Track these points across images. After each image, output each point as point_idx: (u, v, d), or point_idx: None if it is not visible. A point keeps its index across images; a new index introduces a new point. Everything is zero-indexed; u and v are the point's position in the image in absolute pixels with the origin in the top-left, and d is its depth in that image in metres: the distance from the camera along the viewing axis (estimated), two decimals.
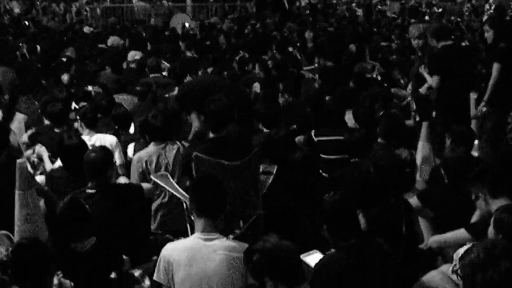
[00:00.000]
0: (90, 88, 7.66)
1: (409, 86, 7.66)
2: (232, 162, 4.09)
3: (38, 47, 11.10)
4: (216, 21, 17.57)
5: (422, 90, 6.75)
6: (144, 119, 5.24)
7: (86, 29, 14.32)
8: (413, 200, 4.21)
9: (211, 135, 4.28)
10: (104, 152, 4.20)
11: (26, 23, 16.55)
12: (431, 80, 6.49)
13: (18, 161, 3.78)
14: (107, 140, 5.35)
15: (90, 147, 4.65)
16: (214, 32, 14.75)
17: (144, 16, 18.28)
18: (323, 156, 5.76)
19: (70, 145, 4.54)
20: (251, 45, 12.21)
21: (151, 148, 4.97)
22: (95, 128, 5.54)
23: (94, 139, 5.32)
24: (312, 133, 5.89)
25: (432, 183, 4.90)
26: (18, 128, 6.42)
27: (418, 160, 5.39)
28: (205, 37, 13.81)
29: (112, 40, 9.69)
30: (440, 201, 4.18)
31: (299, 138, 5.99)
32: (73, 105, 6.91)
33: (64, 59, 9.47)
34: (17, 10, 18.98)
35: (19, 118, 6.56)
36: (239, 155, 4.14)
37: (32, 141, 5.70)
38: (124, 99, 7.16)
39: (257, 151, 4.29)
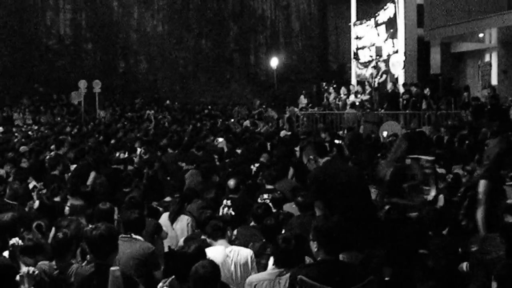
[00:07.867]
0: (266, 196, 7.84)
1: None
2: None
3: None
4: (429, 130, 16.95)
5: None
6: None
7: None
8: None
9: (321, 256, 4.04)
10: (214, 267, 4.12)
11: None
12: None
13: (112, 268, 3.68)
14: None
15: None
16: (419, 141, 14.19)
17: (353, 124, 18.48)
18: None
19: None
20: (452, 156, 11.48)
21: (267, 273, 4.69)
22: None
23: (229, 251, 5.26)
24: None
25: None
26: (181, 229, 6.82)
27: None
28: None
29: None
30: None
31: None
32: None
33: None
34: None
35: (183, 220, 6.96)
36: (351, 281, 3.83)
37: None
38: None
39: (372, 278, 3.92)
